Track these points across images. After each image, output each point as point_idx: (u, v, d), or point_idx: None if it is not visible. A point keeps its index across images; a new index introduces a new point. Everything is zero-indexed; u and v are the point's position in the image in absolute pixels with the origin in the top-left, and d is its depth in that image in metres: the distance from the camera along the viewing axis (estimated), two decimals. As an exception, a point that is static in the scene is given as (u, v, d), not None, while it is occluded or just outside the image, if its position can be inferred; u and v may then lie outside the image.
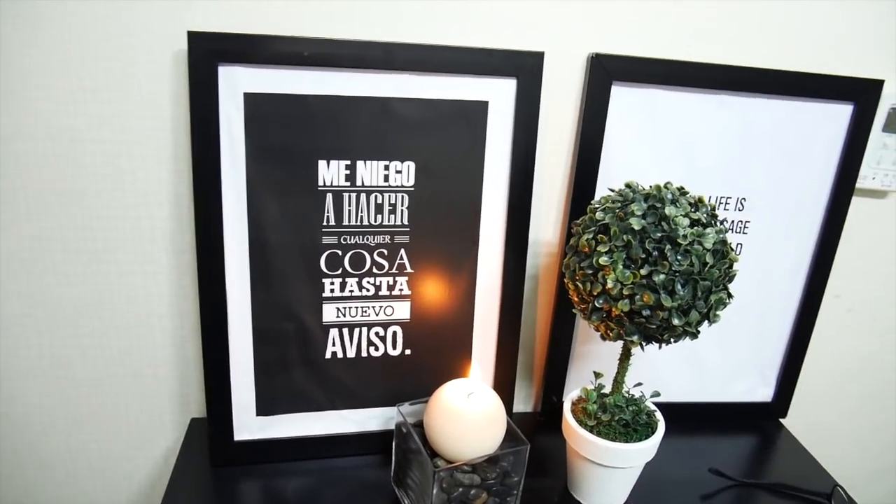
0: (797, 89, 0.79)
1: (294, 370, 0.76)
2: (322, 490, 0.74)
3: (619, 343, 0.72)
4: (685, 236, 0.60)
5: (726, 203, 0.82)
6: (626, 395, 0.74)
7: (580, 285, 0.65)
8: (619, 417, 0.71)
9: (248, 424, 0.77)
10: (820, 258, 0.86)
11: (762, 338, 0.90)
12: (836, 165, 0.83)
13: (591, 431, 0.71)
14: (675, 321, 0.61)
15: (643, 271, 0.60)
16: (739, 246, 0.84)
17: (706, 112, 0.78)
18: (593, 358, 0.86)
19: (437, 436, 0.67)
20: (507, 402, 0.83)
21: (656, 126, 0.78)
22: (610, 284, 0.61)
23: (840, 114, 0.81)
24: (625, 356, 0.72)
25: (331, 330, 0.76)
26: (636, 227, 0.61)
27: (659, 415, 0.74)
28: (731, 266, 0.63)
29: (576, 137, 0.79)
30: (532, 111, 0.74)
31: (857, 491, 0.79)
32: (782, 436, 0.92)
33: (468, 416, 0.67)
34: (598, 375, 0.75)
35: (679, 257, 0.60)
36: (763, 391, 0.93)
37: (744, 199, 0.82)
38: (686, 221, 0.61)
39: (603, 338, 0.68)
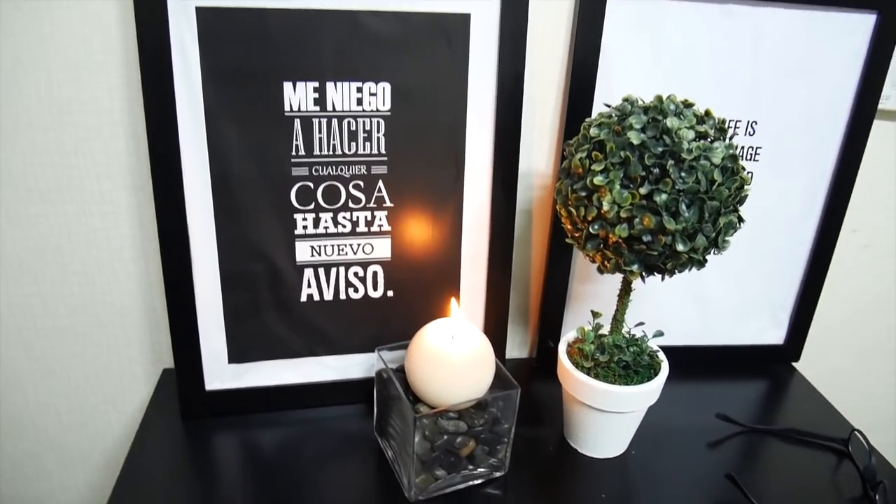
0: (814, -4, 0.70)
1: (267, 314, 0.70)
2: (301, 442, 0.68)
3: (619, 279, 0.65)
4: (690, 150, 0.52)
5: (736, 126, 0.74)
6: (627, 335, 0.67)
7: (573, 210, 0.58)
8: (618, 358, 0.65)
9: (220, 373, 0.70)
10: (837, 188, 0.78)
11: (774, 275, 0.82)
12: (856, 84, 0.74)
13: (587, 374, 0.64)
14: (680, 247, 0.54)
15: (643, 191, 0.53)
16: (750, 175, 0.76)
17: (712, 24, 0.70)
18: (592, 298, 0.79)
19: (418, 381, 0.61)
20: (500, 347, 0.76)
21: (657, 41, 0.70)
22: (606, 207, 0.54)
23: (861, 24, 0.72)
24: (624, 291, 0.65)
25: (305, 270, 0.69)
26: (635, 142, 0.53)
27: (662, 356, 0.68)
28: (741, 186, 0.55)
29: (569, 56, 0.71)
30: (519, 26, 0.66)
31: (876, 440, 0.72)
32: (795, 380, 0.85)
33: (452, 358, 0.60)
34: (595, 315, 0.68)
35: (683, 174, 0.52)
36: (774, 333, 0.86)
37: (754, 122, 0.74)
38: (691, 135, 0.53)
39: (600, 270, 0.60)
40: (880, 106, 0.75)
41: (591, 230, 0.56)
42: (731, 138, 0.56)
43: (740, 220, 0.57)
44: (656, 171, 0.53)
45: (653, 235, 0.54)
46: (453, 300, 0.65)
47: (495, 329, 0.76)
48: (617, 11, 0.68)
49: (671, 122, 0.53)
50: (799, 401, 0.82)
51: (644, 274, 0.58)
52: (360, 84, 0.65)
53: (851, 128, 0.76)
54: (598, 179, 0.54)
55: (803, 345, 0.86)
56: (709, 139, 0.54)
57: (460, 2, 0.64)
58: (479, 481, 0.65)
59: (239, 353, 0.70)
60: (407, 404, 0.60)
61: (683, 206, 0.53)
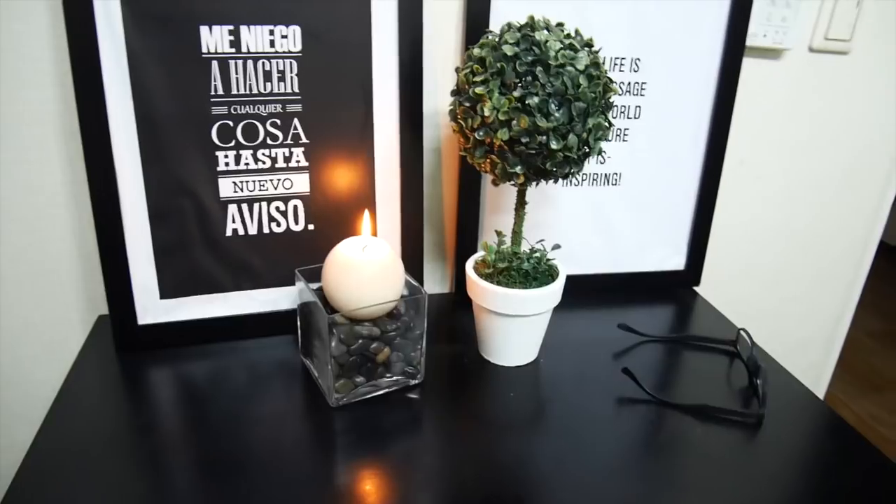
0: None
1: (195, 250, 0.74)
2: (231, 371, 0.72)
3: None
4: (556, 58, 0.59)
5: (621, 64, 0.81)
6: (529, 250, 0.73)
7: (462, 122, 0.64)
8: (517, 266, 0.70)
9: (152, 308, 0.74)
10: (718, 121, 0.86)
11: (671, 205, 0.89)
12: (725, 22, 0.82)
13: (490, 281, 0.70)
14: (553, 144, 0.60)
15: (516, 94, 0.59)
16: (638, 108, 0.84)
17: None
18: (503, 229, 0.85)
19: (333, 291, 0.66)
20: (417, 280, 0.81)
21: (545, -13, 0.77)
22: (487, 113, 0.60)
23: (726, -33, 0.80)
24: (520, 203, 0.70)
25: (229, 206, 0.74)
26: (509, 53, 0.60)
27: (561, 266, 0.74)
28: (605, 91, 0.62)
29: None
30: (416, -29, 0.72)
31: (765, 345, 0.79)
32: (697, 302, 0.92)
33: (362, 268, 0.65)
34: (499, 234, 0.74)
35: (551, 79, 0.59)
36: (676, 260, 0.92)
37: (638, 59, 0.82)
38: (558, 45, 0.60)
39: (494, 183, 0.66)
40: (749, 42, 0.83)
41: (477, 136, 0.62)
42: (596, 52, 0.63)
43: (609, 124, 0.63)
44: (528, 78, 0.59)
45: (530, 136, 0.60)
46: (366, 213, 0.70)
47: (413, 264, 0.81)
48: (505, -40, 0.75)
49: (540, 35, 0.60)
50: (697, 316, 0.89)
51: (529, 176, 0.64)
52: (272, 27, 0.70)
53: (725, 63, 0.83)
54: (479, 90, 0.60)
55: (702, 268, 0.93)
56: (574, 49, 0.61)
57: (359, -49, 0.71)
58: (397, 388, 0.69)
59: (169, 288, 0.74)
60: (323, 311, 0.65)
61: (553, 107, 0.59)
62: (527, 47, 0.60)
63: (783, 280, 1.07)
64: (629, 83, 0.82)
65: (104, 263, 0.71)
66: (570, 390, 0.71)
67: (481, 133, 0.62)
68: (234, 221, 0.74)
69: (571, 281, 0.75)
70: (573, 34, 0.63)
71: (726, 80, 0.84)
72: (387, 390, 0.69)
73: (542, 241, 0.74)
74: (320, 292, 0.68)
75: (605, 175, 0.86)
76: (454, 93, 0.66)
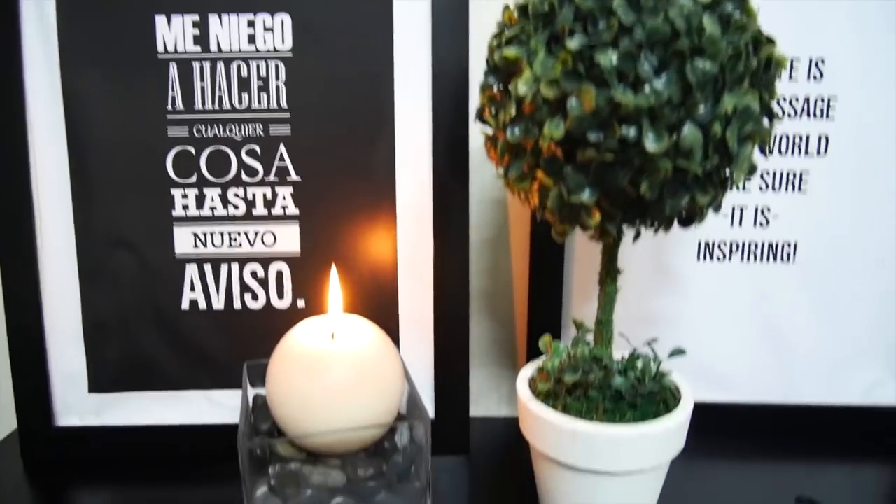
0: None
1: (139, 327, 0.51)
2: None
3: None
4: (655, -18, 0.30)
5: (791, 68, 0.50)
6: (626, 356, 0.41)
7: (491, 120, 0.36)
8: (599, 379, 0.38)
9: (77, 405, 0.51)
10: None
11: (884, 297, 0.53)
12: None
13: (548, 404, 0.39)
14: (651, 143, 0.30)
15: (573, 44, 0.30)
16: (822, 140, 0.50)
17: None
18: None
19: (278, 404, 0.38)
20: (461, 403, 0.51)
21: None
22: (523, 89, 0.31)
23: None
24: (607, 272, 0.39)
25: (187, 266, 0.50)
26: (566, -15, 0.32)
27: (685, 385, 0.41)
28: (758, 46, 0.31)
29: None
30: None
31: None
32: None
33: (326, 367, 0.38)
34: (579, 326, 0.43)
35: (644, 17, 0.30)
36: (894, 388, 0.54)
37: (821, 60, 0.49)
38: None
39: (558, 235, 0.36)
40: None
41: (510, 136, 0.33)
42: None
43: (771, 113, 0.32)
44: (598, 21, 0.30)
45: (603, 128, 0.30)
46: (333, 269, 0.43)
47: (450, 370, 0.51)
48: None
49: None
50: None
51: (610, 211, 0.33)
52: (251, 16, 0.48)
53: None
54: (511, 51, 0.32)
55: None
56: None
57: (381, -90, 0.48)
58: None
59: (103, 378, 0.51)
60: (245, 434, 0.37)
61: (647, 67, 0.29)
62: (600, -28, 0.32)
63: None
64: (805, 98, 0.50)
65: (12, 341, 0.49)
66: None
67: (517, 131, 0.33)
68: (192, 290, 0.50)
69: (705, 413, 0.42)
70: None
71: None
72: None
73: (652, 340, 0.42)
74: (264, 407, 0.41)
75: (770, 245, 0.52)
76: (483, 87, 0.38)
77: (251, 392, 0.43)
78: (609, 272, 0.39)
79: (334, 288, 0.42)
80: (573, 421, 0.37)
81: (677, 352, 0.41)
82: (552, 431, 0.38)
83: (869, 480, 0.49)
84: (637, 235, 0.38)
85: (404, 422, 0.40)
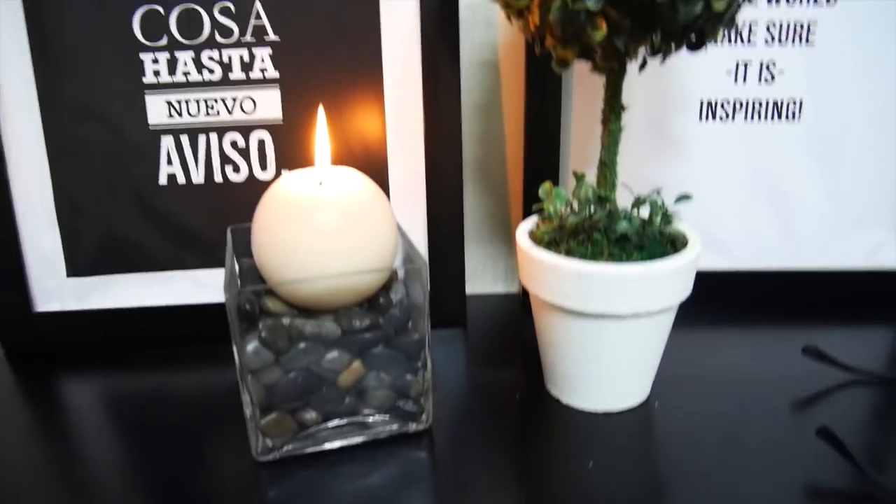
0: None
1: (115, 204, 0.48)
2: (163, 390, 0.44)
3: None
4: None
5: None
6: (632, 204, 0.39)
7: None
8: (604, 219, 0.36)
9: (56, 290, 0.48)
10: None
11: (893, 158, 0.51)
12: None
13: (554, 250, 0.37)
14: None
15: None
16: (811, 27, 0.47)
17: None
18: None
19: (264, 254, 0.36)
20: (456, 275, 0.50)
21: None
22: None
23: None
24: (610, 108, 0.37)
25: (163, 138, 0.47)
26: None
27: (692, 232, 0.39)
28: None
29: None
30: None
31: None
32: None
33: (315, 213, 0.35)
34: (579, 177, 0.41)
35: None
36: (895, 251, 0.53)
37: None
38: None
39: (560, 65, 0.34)
40: None
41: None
42: None
43: None
44: None
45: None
46: (320, 109, 0.40)
47: (445, 245, 0.49)
48: None
49: None
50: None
51: (620, 27, 0.30)
52: None
53: None
54: None
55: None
56: None
57: None
58: (378, 438, 0.37)
59: (81, 261, 0.48)
60: (235, 285, 0.35)
61: None
62: None
63: None
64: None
65: (-17, 222, 0.47)
66: (711, 463, 0.35)
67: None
68: (169, 163, 0.47)
69: (715, 280, 0.40)
70: None
71: None
72: (360, 440, 0.37)
73: (658, 189, 0.40)
74: (251, 261, 0.38)
75: (775, 103, 0.50)
76: None
77: (237, 260, 0.41)
78: (613, 108, 0.37)
79: (321, 133, 0.39)
80: (578, 262, 0.35)
81: (683, 197, 0.39)
82: (556, 275, 0.36)
83: (871, 343, 0.48)
84: (643, 64, 0.35)
85: (400, 268, 0.38)
